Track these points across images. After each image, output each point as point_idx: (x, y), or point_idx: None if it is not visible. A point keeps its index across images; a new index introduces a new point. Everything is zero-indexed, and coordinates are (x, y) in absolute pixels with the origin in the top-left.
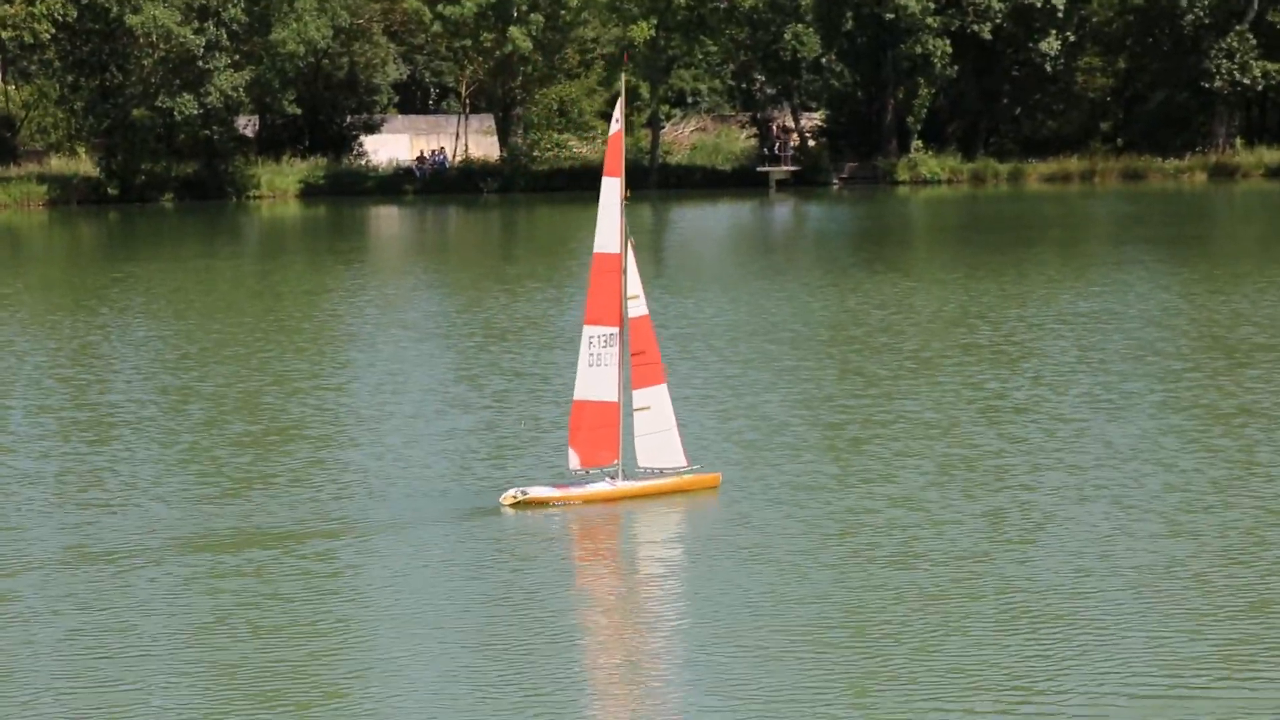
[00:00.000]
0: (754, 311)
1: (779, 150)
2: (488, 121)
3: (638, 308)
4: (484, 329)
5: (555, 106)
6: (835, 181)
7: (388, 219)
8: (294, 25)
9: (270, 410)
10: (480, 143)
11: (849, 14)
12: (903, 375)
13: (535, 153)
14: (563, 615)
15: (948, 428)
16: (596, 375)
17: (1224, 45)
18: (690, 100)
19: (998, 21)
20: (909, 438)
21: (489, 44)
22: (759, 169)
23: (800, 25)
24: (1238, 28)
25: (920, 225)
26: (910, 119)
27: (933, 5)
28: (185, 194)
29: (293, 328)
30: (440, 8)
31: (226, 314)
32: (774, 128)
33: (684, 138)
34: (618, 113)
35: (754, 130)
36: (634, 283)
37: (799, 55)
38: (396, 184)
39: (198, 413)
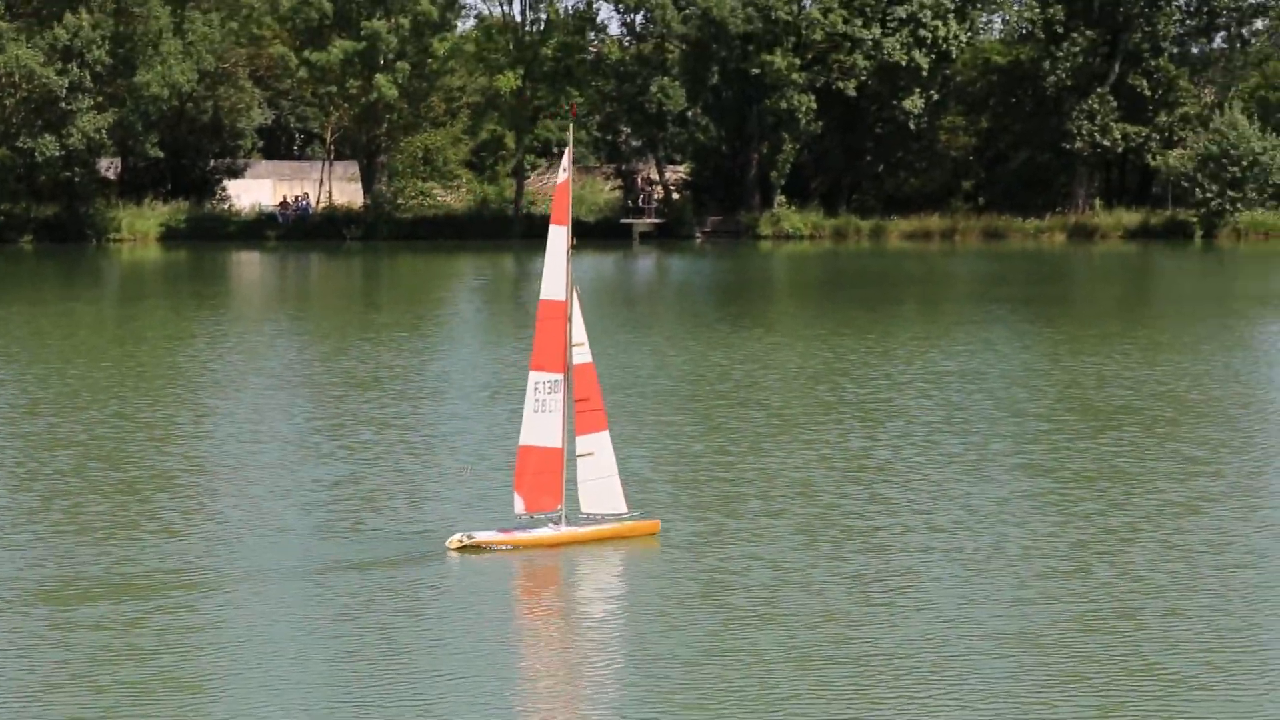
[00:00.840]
0: (617, 365)
1: (643, 203)
2: (352, 168)
3: (582, 355)
4: (346, 378)
5: (420, 155)
6: (698, 235)
7: (249, 264)
8: (158, 68)
9: (132, 457)
10: (344, 189)
11: (715, 68)
12: (767, 432)
13: (399, 200)
14: (499, 658)
15: (811, 486)
16: (541, 421)
17: (1085, 107)
18: (556, 151)
19: (862, 79)
20: (772, 495)
21: (355, 91)
22: (623, 221)
23: (666, 78)
24: (1099, 90)
25: (783, 280)
26: (774, 174)
27: (798, 62)
28: (44, 236)
29: (154, 373)
30: (307, 54)
31: (86, 358)
32: (639, 180)
33: (549, 188)
34: (565, 162)
35: (619, 182)
36: (579, 330)
37: (665, 108)
38: (259, 229)
39: (54, 459)
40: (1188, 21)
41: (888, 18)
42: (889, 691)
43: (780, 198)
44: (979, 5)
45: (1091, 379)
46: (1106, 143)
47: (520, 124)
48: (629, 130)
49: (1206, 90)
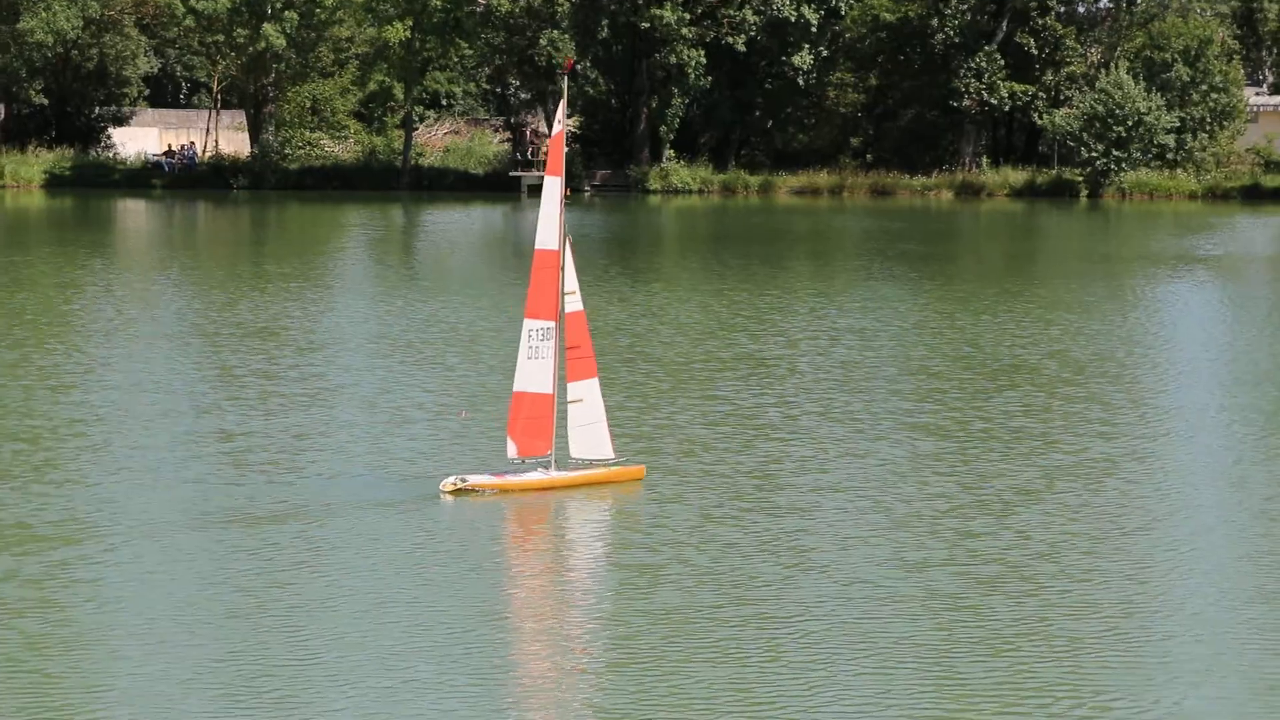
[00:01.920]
0: (513, 319)
1: (532, 155)
2: (239, 117)
3: (574, 303)
4: (238, 329)
5: (308, 105)
6: (587, 189)
7: (135, 213)
8: (43, 14)
9: (23, 408)
10: (231, 139)
11: (605, 22)
12: (665, 388)
13: (286, 150)
14: (488, 600)
15: (707, 443)
16: (534, 367)
17: (973, 65)
18: (444, 103)
19: (752, 34)
20: (670, 452)
21: (242, 40)
22: (511, 174)
23: (556, 32)
24: (986, 48)
25: (673, 235)
26: (663, 128)
27: (688, 16)
28: None
29: (44, 322)
30: (193, 2)
31: None
32: (527, 133)
33: (437, 140)
34: (560, 114)
35: (507, 135)
36: (571, 279)
37: (554, 61)
38: (144, 178)
39: None
40: None
41: None
42: (791, 655)
43: (669, 152)
44: None
45: (986, 337)
46: (994, 101)
47: (409, 75)
48: (518, 83)
49: (1093, 49)
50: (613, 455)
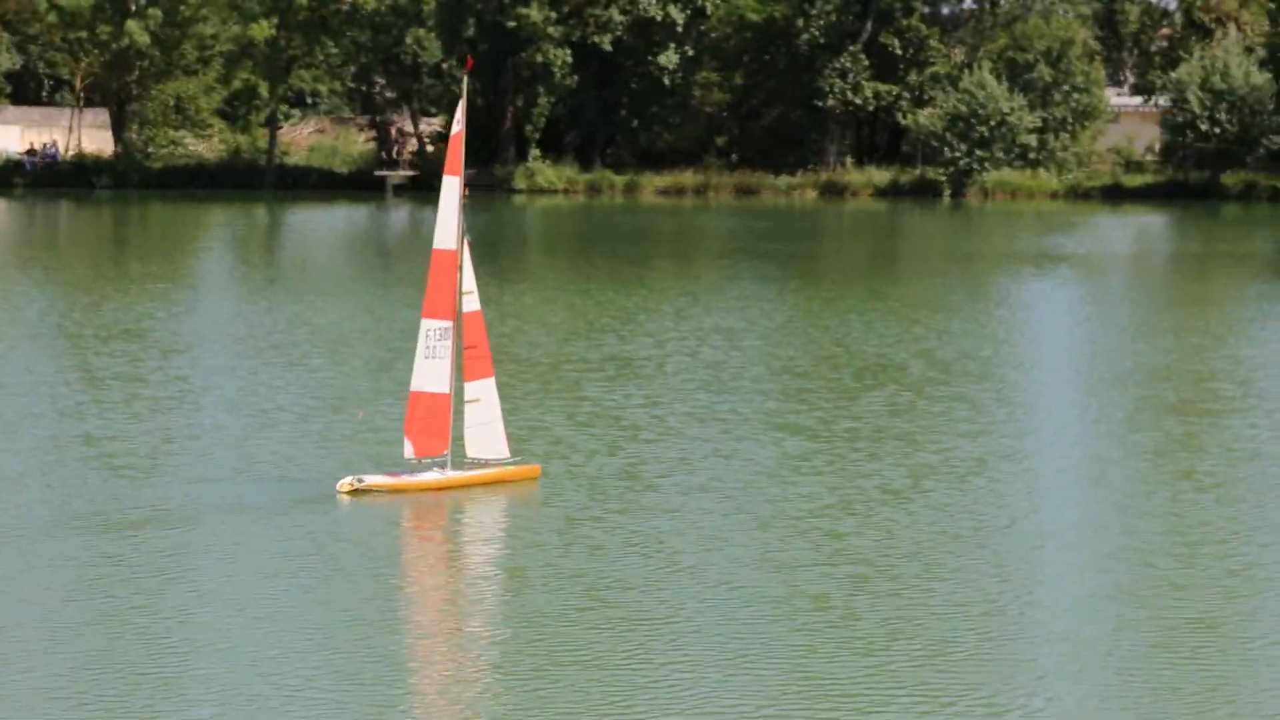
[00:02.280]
0: (378, 319)
1: (397, 154)
2: (102, 116)
3: (471, 303)
4: (101, 330)
5: (172, 103)
6: None
7: None
8: None
9: None
10: (94, 137)
11: (471, 20)
12: (533, 389)
13: (150, 149)
14: (382, 605)
15: (575, 445)
16: (431, 367)
17: (837, 65)
18: (309, 101)
19: (618, 34)
20: (539, 454)
21: (105, 37)
22: (377, 173)
23: (422, 30)
24: (851, 48)
25: (539, 234)
26: (529, 128)
27: (554, 15)
28: None
29: None
30: None
31: None
32: (393, 132)
33: (302, 138)
34: (459, 114)
35: (373, 134)
36: (469, 279)
37: (420, 60)
38: (6, 176)
39: None
40: None
41: None
42: (659, 657)
43: (535, 151)
44: None
45: (853, 337)
46: (858, 101)
47: (274, 74)
48: (384, 81)
49: (956, 50)
50: (508, 455)
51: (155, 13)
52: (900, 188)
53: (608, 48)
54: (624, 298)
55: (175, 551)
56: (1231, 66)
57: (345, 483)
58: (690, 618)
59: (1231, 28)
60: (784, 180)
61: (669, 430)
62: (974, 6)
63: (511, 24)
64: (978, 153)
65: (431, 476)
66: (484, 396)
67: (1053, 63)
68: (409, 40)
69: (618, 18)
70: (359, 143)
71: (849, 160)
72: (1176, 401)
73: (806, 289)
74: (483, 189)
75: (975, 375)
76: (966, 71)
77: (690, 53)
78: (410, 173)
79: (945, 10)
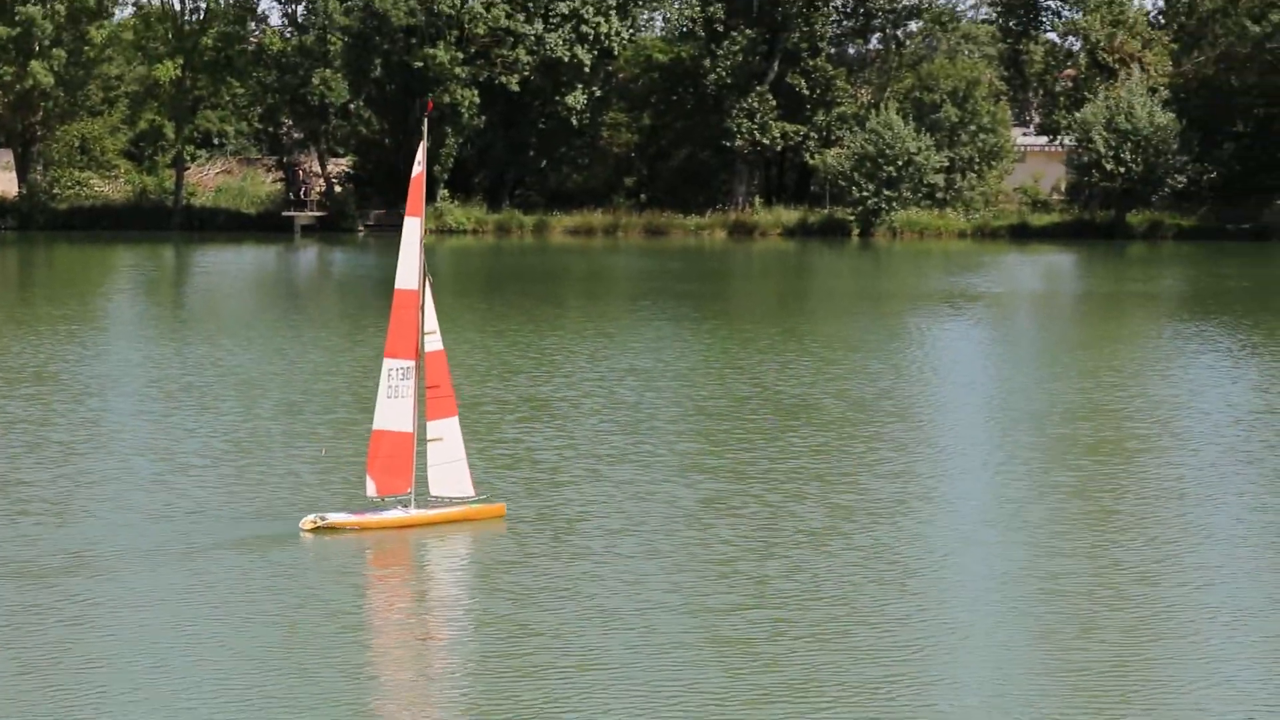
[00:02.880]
0: (292, 363)
1: (305, 195)
2: (6, 157)
3: (434, 343)
4: (8, 373)
5: (77, 144)
6: (361, 228)
7: None
8: None
9: None
10: None
11: (378, 61)
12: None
13: (55, 190)
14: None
15: (491, 487)
16: (394, 406)
17: (745, 105)
18: (216, 142)
19: (526, 74)
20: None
21: (9, 77)
22: (284, 214)
23: (329, 71)
24: (758, 89)
25: (448, 275)
26: (437, 168)
27: (461, 56)
28: None
29: None
30: None
31: None
32: (300, 172)
33: (209, 180)
34: (420, 155)
35: (280, 174)
36: (430, 319)
37: (327, 100)
38: None
39: None
40: (844, 22)
41: (550, 13)
42: (575, 702)
43: (443, 192)
44: (640, 2)
45: (769, 376)
46: (766, 141)
47: (180, 114)
48: (290, 122)
49: (863, 90)
50: (472, 493)
51: (59, 53)
52: (809, 227)
53: (515, 88)
54: (539, 338)
55: (88, 596)
56: (1135, 106)
57: (308, 520)
58: (609, 664)
59: (1135, 68)
60: (693, 220)
61: (585, 472)
62: (879, 47)
63: (418, 64)
64: (885, 192)
65: (394, 514)
66: (447, 435)
67: (959, 103)
68: (315, 81)
69: (525, 58)
70: (266, 183)
71: (758, 200)
72: (1094, 441)
73: (721, 329)
74: (393, 229)
75: (893, 414)
76: (873, 111)
77: (598, 93)
78: (318, 213)
79: (851, 50)
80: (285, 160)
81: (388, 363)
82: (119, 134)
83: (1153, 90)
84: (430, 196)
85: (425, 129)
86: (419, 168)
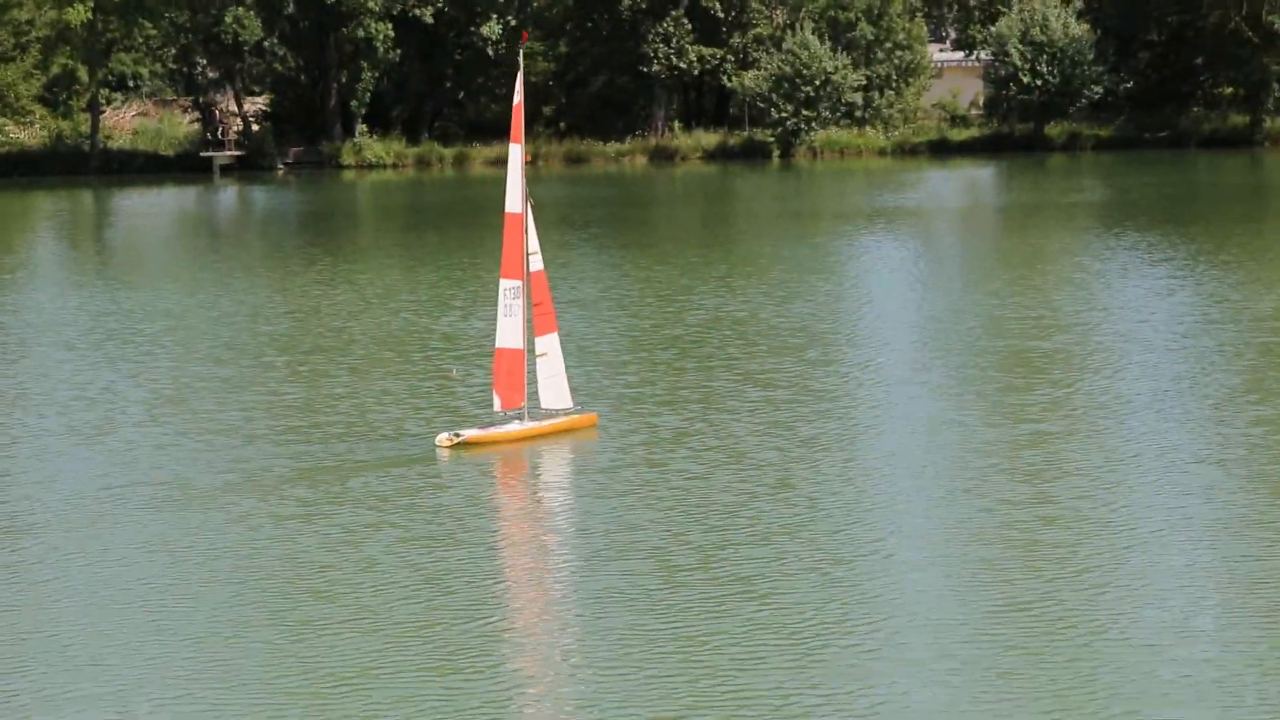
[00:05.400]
0: (243, 309)
1: (222, 135)
2: None
3: (536, 263)
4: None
5: None
6: (280, 166)
7: None
8: None
9: None
10: None
11: None
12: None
13: None
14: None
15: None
16: (509, 324)
17: (660, 30)
18: (131, 84)
19: (440, 6)
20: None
21: None
22: (203, 154)
23: (241, 9)
24: (674, 13)
25: (367, 210)
26: (354, 103)
27: None
28: None
29: None
30: None
31: None
32: (217, 112)
33: (125, 122)
34: (519, 84)
35: (197, 115)
36: (533, 239)
37: (241, 39)
38: None
39: None
40: None
41: None
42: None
43: (362, 127)
44: None
45: (743, 305)
46: (683, 65)
47: (93, 58)
48: (205, 62)
49: (778, 11)
50: (571, 405)
51: None
52: (729, 150)
53: (429, 20)
54: (466, 273)
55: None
56: (1050, 19)
57: (444, 438)
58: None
59: None
60: (613, 147)
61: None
62: None
63: None
64: (804, 113)
65: (514, 427)
66: (550, 350)
67: (874, 20)
68: (229, 19)
69: None
70: (183, 124)
71: (677, 125)
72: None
73: (677, 256)
74: (311, 166)
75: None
76: (789, 32)
77: (513, 23)
78: (236, 153)
79: None
80: (201, 100)
81: (502, 283)
82: (32, 79)
83: (1066, 1)
84: (349, 131)
85: (520, 59)
86: (518, 97)
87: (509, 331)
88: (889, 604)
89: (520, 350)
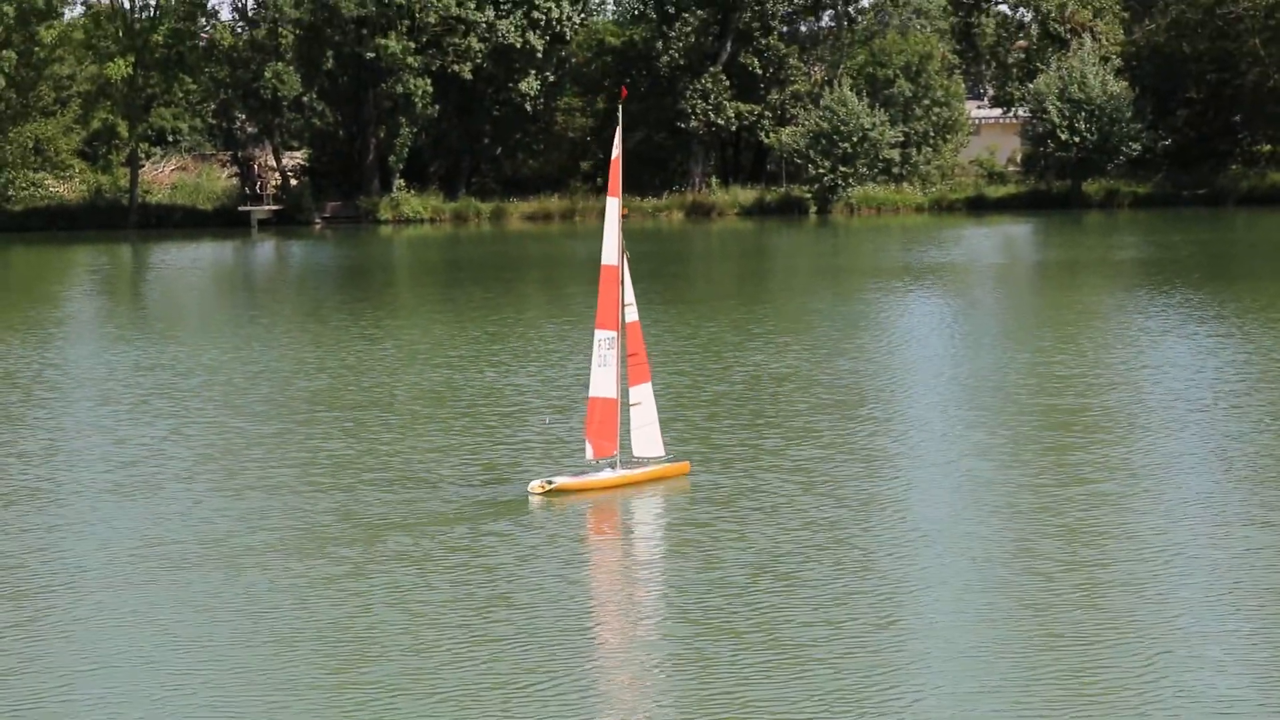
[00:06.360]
0: (263, 368)
1: (261, 190)
2: None
3: (631, 314)
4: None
5: (30, 145)
6: (318, 220)
7: None
8: None
9: None
10: None
11: (329, 53)
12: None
13: (10, 192)
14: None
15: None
16: (602, 375)
17: (698, 87)
18: (170, 139)
19: (478, 62)
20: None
21: None
22: (241, 208)
23: (280, 64)
24: (711, 69)
25: (405, 265)
26: (392, 158)
27: (413, 45)
28: None
29: None
30: None
31: None
32: (255, 167)
33: (164, 177)
34: (617, 139)
35: (235, 169)
36: (629, 291)
37: (280, 94)
38: None
39: None
40: (795, 0)
41: (501, 0)
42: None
43: (399, 181)
44: None
45: (790, 361)
46: (720, 121)
47: (133, 112)
48: (244, 117)
49: (816, 68)
50: (663, 453)
51: (10, 55)
52: (766, 206)
53: (468, 76)
54: (508, 327)
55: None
56: (1088, 76)
57: (536, 484)
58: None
59: (1087, 38)
60: (650, 202)
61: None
62: (832, 24)
63: (370, 55)
64: (841, 169)
65: (607, 475)
66: (644, 400)
67: (912, 77)
68: (268, 74)
69: (477, 45)
70: (222, 179)
71: (714, 180)
72: (1073, 419)
73: (719, 312)
74: (348, 221)
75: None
76: (827, 89)
77: (551, 79)
78: (274, 207)
79: (803, 28)
80: (240, 155)
81: (598, 333)
82: (73, 134)
83: (1105, 59)
84: (386, 186)
85: (620, 115)
86: (616, 150)
87: (603, 381)
88: (940, 667)
89: (614, 400)
